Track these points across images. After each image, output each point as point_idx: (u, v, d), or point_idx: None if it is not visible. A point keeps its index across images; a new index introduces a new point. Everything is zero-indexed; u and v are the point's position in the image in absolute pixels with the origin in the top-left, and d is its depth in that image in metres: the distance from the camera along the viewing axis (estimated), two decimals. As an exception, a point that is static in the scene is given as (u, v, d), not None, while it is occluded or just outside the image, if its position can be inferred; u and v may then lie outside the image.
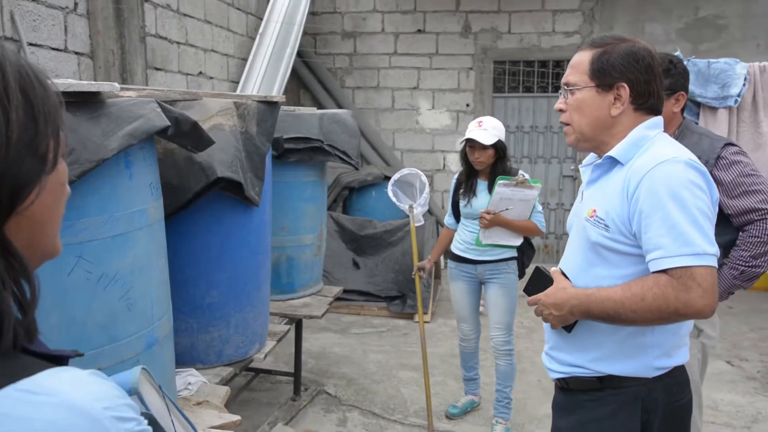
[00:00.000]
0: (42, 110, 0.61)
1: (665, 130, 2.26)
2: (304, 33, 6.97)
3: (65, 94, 1.60)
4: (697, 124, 3.48)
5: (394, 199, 3.59)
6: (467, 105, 6.95)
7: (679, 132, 2.32)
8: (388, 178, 6.25)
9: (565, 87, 1.65)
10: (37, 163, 0.61)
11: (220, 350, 2.62)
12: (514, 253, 3.25)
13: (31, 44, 3.27)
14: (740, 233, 2.20)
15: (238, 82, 5.76)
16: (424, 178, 3.63)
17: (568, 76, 1.64)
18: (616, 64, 1.55)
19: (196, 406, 2.25)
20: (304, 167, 3.53)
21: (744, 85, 3.44)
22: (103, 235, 1.70)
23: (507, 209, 3.06)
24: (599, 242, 1.53)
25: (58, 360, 0.63)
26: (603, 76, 1.56)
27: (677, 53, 2.88)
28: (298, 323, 3.66)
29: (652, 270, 1.42)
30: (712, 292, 1.36)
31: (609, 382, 1.57)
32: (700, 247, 1.37)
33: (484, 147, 3.11)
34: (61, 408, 0.53)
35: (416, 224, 3.58)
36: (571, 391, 1.66)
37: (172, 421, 0.95)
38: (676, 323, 1.51)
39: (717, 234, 2.21)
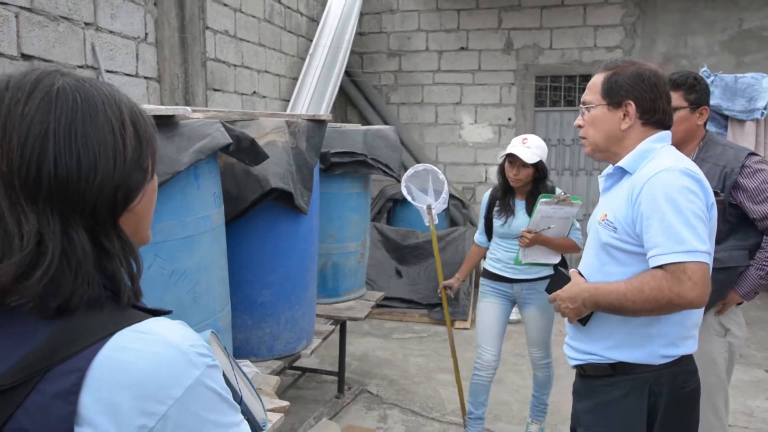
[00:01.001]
0: (145, 136, 0.85)
1: (690, 142, 2.46)
2: (352, 52, 7.30)
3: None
4: (725, 136, 3.59)
5: (408, 198, 3.50)
6: (509, 119, 7.12)
7: (704, 144, 2.47)
8: (431, 191, 6.49)
9: (583, 105, 1.87)
10: (142, 174, 0.83)
11: (271, 345, 2.89)
12: (551, 271, 3.13)
13: (108, 71, 3.67)
14: (765, 237, 2.34)
15: (288, 100, 6.11)
16: (441, 176, 3.55)
17: (585, 95, 1.86)
18: (623, 84, 1.76)
19: (251, 392, 2.52)
20: (349, 179, 3.79)
21: (770, 98, 3.54)
22: (175, 237, 2.00)
23: (549, 228, 3.01)
24: (609, 243, 1.73)
25: (156, 314, 0.88)
26: (613, 95, 1.78)
27: (704, 69, 3.03)
28: (342, 325, 3.91)
29: (650, 266, 1.61)
30: (702, 284, 1.54)
31: (621, 368, 1.75)
32: (692, 245, 1.55)
33: (524, 164, 3.02)
34: (162, 343, 0.75)
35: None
36: (588, 377, 1.85)
37: (234, 375, 1.19)
38: (681, 316, 1.69)
39: (743, 238, 2.38)
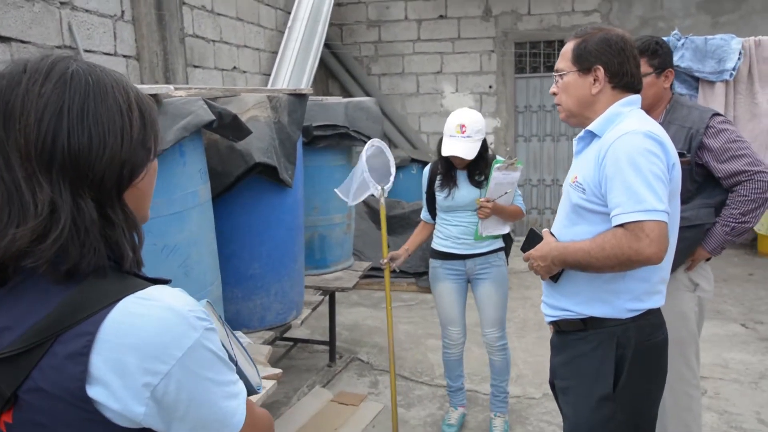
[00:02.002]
0: (149, 118, 0.91)
1: (658, 105, 2.53)
2: (331, 24, 7.26)
3: (129, 96, 1.95)
4: (696, 97, 3.67)
5: (373, 188, 2.95)
6: (490, 87, 7.16)
7: (671, 106, 2.55)
8: (414, 161, 6.53)
9: (556, 73, 1.93)
10: (146, 153, 0.90)
11: (262, 316, 2.97)
12: (502, 243, 3.11)
13: (86, 50, 3.65)
14: (729, 194, 2.44)
15: (269, 75, 6.10)
16: (389, 153, 3.07)
17: (558, 63, 1.93)
18: (592, 50, 1.82)
19: (244, 362, 2.60)
20: (332, 152, 3.84)
21: (739, 59, 3.61)
22: (164, 213, 2.05)
23: (505, 194, 2.94)
24: (578, 204, 1.81)
25: (157, 283, 0.95)
26: (582, 61, 1.84)
27: (675, 32, 3.09)
28: (331, 295, 3.99)
29: (612, 225, 1.70)
30: (658, 241, 1.63)
31: (591, 323, 1.84)
32: (651, 204, 1.63)
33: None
34: (163, 308, 0.81)
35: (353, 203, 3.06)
36: (562, 332, 1.95)
37: (230, 342, 1.27)
38: (645, 272, 1.78)
39: (709, 196, 2.47)
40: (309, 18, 6.25)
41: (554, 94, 1.95)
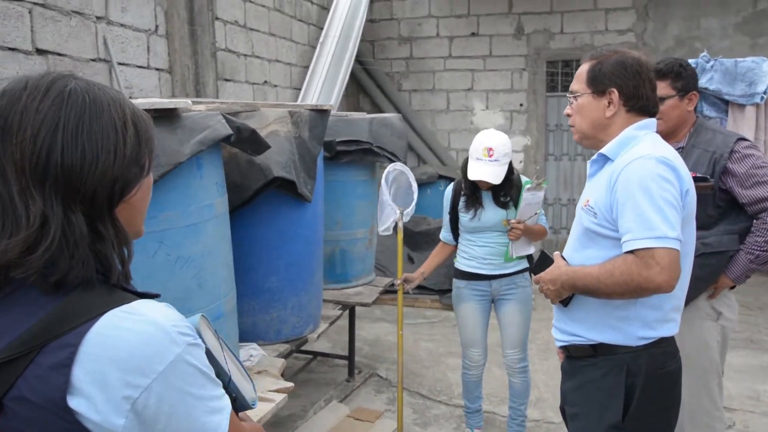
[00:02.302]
0: (144, 136, 0.93)
1: (681, 128, 2.49)
2: (363, 40, 7.34)
3: (150, 110, 2.00)
4: (725, 121, 3.58)
5: (389, 200, 3.03)
6: (521, 105, 7.12)
7: (694, 130, 2.50)
8: (442, 177, 6.53)
9: (570, 94, 1.91)
10: (139, 170, 0.92)
11: (278, 329, 2.99)
12: (527, 264, 3.05)
13: (120, 63, 3.76)
14: (755, 221, 2.36)
15: (300, 89, 6.18)
16: (413, 180, 3.17)
17: (573, 84, 1.91)
18: (607, 73, 1.80)
19: (257, 375, 2.62)
20: (355, 167, 3.86)
21: (770, 82, 3.52)
22: (179, 225, 2.08)
23: (535, 214, 2.92)
24: (589, 227, 1.78)
25: (145, 297, 0.96)
26: (597, 83, 1.82)
27: (704, 54, 3.03)
28: (351, 310, 3.99)
29: (623, 251, 1.66)
30: (669, 269, 1.58)
31: (601, 349, 1.80)
32: (662, 231, 1.59)
33: None
34: (146, 323, 0.82)
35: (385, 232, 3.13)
36: (572, 358, 1.91)
37: (224, 356, 1.27)
38: (658, 300, 1.73)
39: (733, 222, 2.40)
40: (341, 34, 6.33)
41: (568, 115, 1.93)
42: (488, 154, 2.86)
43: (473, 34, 7.18)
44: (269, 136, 2.71)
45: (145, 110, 1.96)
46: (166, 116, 2.03)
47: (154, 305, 0.87)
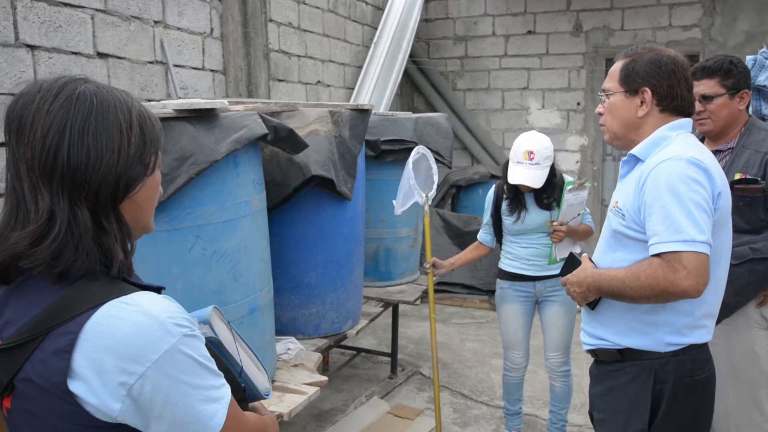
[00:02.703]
0: (150, 137, 0.99)
1: (731, 128, 2.39)
2: (418, 39, 7.36)
3: (190, 111, 2.09)
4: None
5: (413, 184, 3.01)
6: (578, 104, 6.95)
7: (746, 129, 2.39)
8: (494, 177, 6.46)
9: (603, 92, 1.88)
10: (143, 168, 0.97)
11: (317, 324, 3.05)
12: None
13: (176, 65, 3.93)
14: None
15: (353, 89, 6.25)
16: (433, 162, 3.11)
17: (605, 83, 1.87)
18: (640, 71, 1.76)
19: (293, 368, 2.69)
20: (400, 166, 3.83)
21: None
22: (216, 221, 2.17)
23: (579, 215, 2.89)
24: (618, 229, 1.74)
25: (151, 289, 1.00)
26: (630, 82, 1.78)
27: (763, 50, 2.87)
28: (394, 308, 4.02)
29: (650, 254, 1.61)
30: (696, 274, 1.53)
31: (629, 354, 1.76)
32: (689, 235, 1.54)
33: None
34: (142, 313, 0.87)
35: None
36: (600, 362, 1.87)
37: (237, 348, 1.31)
38: (688, 305, 1.67)
39: None
40: (395, 35, 6.36)
41: (600, 114, 1.90)
42: (529, 157, 2.84)
43: (530, 32, 7.07)
44: (309, 135, 2.77)
45: (185, 110, 2.03)
46: (204, 116, 2.12)
47: (151, 297, 0.91)
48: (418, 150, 3.04)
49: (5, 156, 0.94)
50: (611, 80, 1.84)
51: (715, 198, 1.61)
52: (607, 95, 1.85)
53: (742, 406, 2.44)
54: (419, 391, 3.97)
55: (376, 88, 6.14)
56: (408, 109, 7.69)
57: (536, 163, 2.82)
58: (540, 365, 3.89)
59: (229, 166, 2.20)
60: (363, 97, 6.05)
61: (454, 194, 6.70)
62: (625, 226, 1.71)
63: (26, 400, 0.89)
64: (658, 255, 1.58)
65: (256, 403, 1.28)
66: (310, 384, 2.53)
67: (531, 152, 2.83)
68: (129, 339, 0.85)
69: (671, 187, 1.58)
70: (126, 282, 0.95)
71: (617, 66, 1.83)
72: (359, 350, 4.32)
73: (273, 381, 2.52)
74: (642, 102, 1.76)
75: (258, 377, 1.34)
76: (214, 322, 1.24)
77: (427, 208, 3.07)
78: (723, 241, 1.71)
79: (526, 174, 2.82)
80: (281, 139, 2.43)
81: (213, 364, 0.95)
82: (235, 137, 2.14)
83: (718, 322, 2.37)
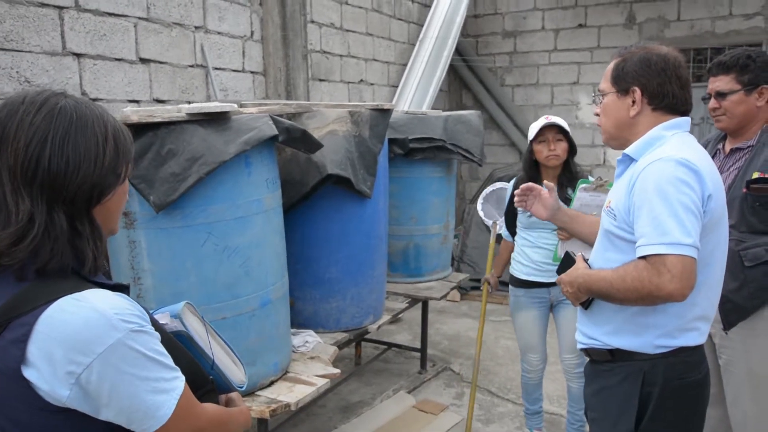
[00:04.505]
0: (122, 149, 1.08)
1: (750, 125, 2.33)
2: (467, 35, 7.33)
3: (202, 114, 2.22)
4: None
5: (482, 215, 3.49)
6: (630, 98, 6.74)
7: (767, 127, 2.31)
8: (540, 174, 6.38)
9: (597, 93, 1.88)
10: (115, 178, 1.07)
11: (337, 318, 3.15)
12: None
13: (216, 68, 4.11)
14: None
15: (397, 86, 6.31)
16: (507, 194, 3.28)
17: (600, 84, 1.87)
18: (629, 71, 1.75)
19: (309, 360, 2.79)
20: (429, 164, 3.92)
21: None
22: (227, 218, 2.29)
23: (592, 215, 2.70)
24: (609, 230, 1.74)
25: (119, 288, 1.08)
26: (620, 82, 1.77)
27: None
28: (424, 304, 4.07)
29: (636, 256, 1.60)
30: (681, 277, 1.51)
31: (619, 354, 1.75)
32: (675, 237, 1.52)
33: (558, 137, 2.84)
34: (90, 309, 0.96)
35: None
36: (593, 362, 1.87)
37: (210, 342, 1.39)
38: (680, 308, 1.65)
39: None
40: (440, 32, 6.37)
41: (597, 114, 1.89)
42: (545, 119, 2.89)
43: (580, 25, 6.91)
44: (327, 135, 2.87)
45: (197, 114, 2.16)
46: (215, 119, 2.24)
47: (103, 294, 1.00)
48: (495, 186, 3.49)
49: None
50: (605, 81, 1.84)
51: (705, 200, 1.58)
52: (601, 96, 1.85)
53: (763, 413, 2.36)
54: (447, 386, 4.00)
55: (420, 85, 6.18)
56: (456, 106, 7.68)
57: (554, 119, 2.87)
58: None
59: (240, 166, 2.31)
60: (407, 95, 6.10)
61: (499, 191, 6.65)
62: (617, 227, 1.70)
63: None
64: (644, 257, 1.57)
65: (232, 395, 1.35)
66: (323, 376, 2.62)
67: (547, 117, 2.91)
68: (77, 332, 0.94)
69: (659, 188, 1.56)
70: (89, 281, 1.03)
71: (610, 66, 1.82)
72: (390, 345, 4.40)
73: (287, 372, 2.63)
74: (633, 101, 1.75)
75: (233, 370, 1.42)
76: (185, 317, 1.32)
77: (494, 232, 3.50)
78: (717, 243, 1.67)
79: (549, 119, 2.84)
80: (295, 140, 2.53)
81: (166, 358, 1.03)
82: (244, 139, 2.25)
83: (733, 325, 2.32)
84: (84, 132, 1.02)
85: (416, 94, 6.11)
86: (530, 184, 2.37)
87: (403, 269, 4.02)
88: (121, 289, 1.07)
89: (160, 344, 1.03)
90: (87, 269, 1.04)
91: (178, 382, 1.03)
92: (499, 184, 3.50)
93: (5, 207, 0.99)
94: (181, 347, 1.18)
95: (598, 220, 1.94)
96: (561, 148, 2.86)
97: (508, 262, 3.29)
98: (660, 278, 1.52)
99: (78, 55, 3.26)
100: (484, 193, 3.51)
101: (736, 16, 6.20)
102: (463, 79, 7.48)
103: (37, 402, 0.96)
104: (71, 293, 0.97)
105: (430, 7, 6.71)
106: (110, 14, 3.42)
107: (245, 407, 1.32)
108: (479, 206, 3.48)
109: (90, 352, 0.93)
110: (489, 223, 3.50)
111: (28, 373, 0.94)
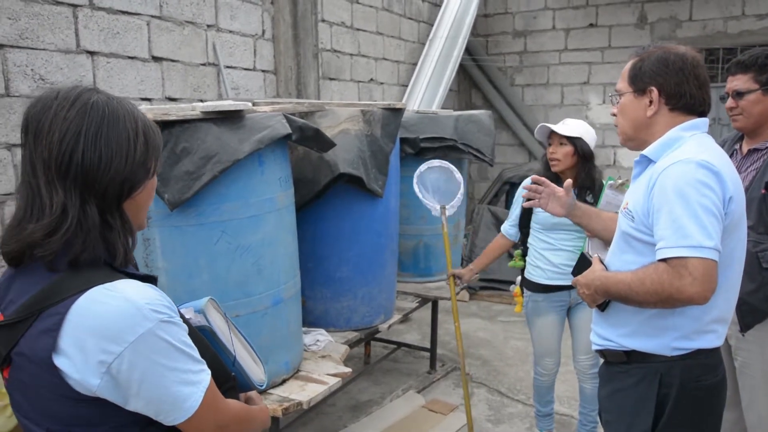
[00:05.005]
0: (152, 144, 1.10)
1: (765, 128, 2.29)
2: (477, 35, 7.32)
3: (217, 112, 2.22)
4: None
5: (420, 196, 3.20)
6: (641, 98, 6.71)
7: (788, 129, 2.29)
8: (550, 174, 6.36)
9: (615, 93, 1.87)
10: (145, 173, 1.09)
11: (348, 317, 3.15)
12: None
13: (227, 66, 4.12)
14: None
15: (407, 86, 6.31)
16: (458, 176, 3.25)
17: (617, 83, 1.86)
18: (647, 71, 1.74)
19: (320, 359, 2.80)
20: (440, 164, 3.91)
21: None
22: (240, 216, 2.29)
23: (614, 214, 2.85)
24: (627, 231, 1.73)
25: (148, 279, 1.08)
26: (637, 82, 1.76)
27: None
28: (434, 304, 4.06)
29: (656, 259, 1.59)
30: (701, 281, 1.49)
31: (635, 356, 1.74)
32: (696, 240, 1.50)
33: (561, 142, 2.79)
34: (122, 299, 0.98)
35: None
36: (608, 363, 1.86)
37: (232, 339, 1.39)
38: (697, 310, 1.64)
39: None
40: (450, 32, 6.36)
41: (614, 115, 1.88)
42: (562, 124, 2.87)
43: (591, 25, 6.88)
44: (340, 134, 2.86)
45: (212, 112, 2.16)
46: (229, 117, 2.24)
47: (134, 284, 1.01)
48: (432, 164, 3.13)
49: (21, 154, 1.05)
50: (622, 81, 1.82)
51: (726, 202, 1.56)
52: (618, 96, 1.83)
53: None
54: (456, 386, 3.99)
55: (430, 84, 6.17)
56: (466, 105, 7.66)
57: (565, 125, 2.83)
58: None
59: (253, 165, 2.31)
60: (416, 94, 6.10)
61: (507, 191, 6.64)
62: (635, 229, 1.69)
63: (20, 371, 1.02)
64: (664, 260, 1.55)
65: (251, 393, 1.36)
66: (334, 375, 2.62)
67: (563, 122, 2.88)
68: (109, 321, 0.95)
69: (679, 190, 1.54)
70: (120, 272, 1.05)
71: (628, 66, 1.81)
72: (399, 344, 4.39)
73: (298, 371, 2.63)
74: (650, 101, 1.73)
75: (253, 369, 1.42)
76: (208, 312, 1.33)
77: (444, 219, 3.13)
78: (736, 245, 1.66)
79: (553, 127, 2.82)
80: (308, 139, 2.53)
81: (193, 351, 1.04)
82: (258, 137, 2.25)
83: (750, 327, 2.30)
84: (116, 127, 1.03)
85: (426, 94, 6.10)
86: (539, 177, 2.36)
87: (413, 269, 4.02)
88: (150, 279, 1.08)
89: (188, 336, 1.04)
90: (118, 262, 1.05)
91: (204, 375, 1.04)
92: (436, 162, 3.25)
93: (39, 199, 1.00)
94: (205, 342, 1.20)
95: (612, 216, 1.93)
96: (562, 152, 2.81)
97: (495, 260, 3.26)
98: (681, 281, 1.51)
99: (92, 53, 3.27)
100: (418, 172, 3.22)
101: (749, 16, 6.16)
102: (473, 79, 7.47)
103: (66, 390, 0.97)
104: (102, 284, 0.99)
105: (440, 6, 6.70)
106: (123, 12, 3.43)
107: (265, 406, 1.33)
108: (416, 189, 3.19)
109: (122, 341, 0.95)
110: (434, 207, 3.17)
111: (59, 361, 0.96)
